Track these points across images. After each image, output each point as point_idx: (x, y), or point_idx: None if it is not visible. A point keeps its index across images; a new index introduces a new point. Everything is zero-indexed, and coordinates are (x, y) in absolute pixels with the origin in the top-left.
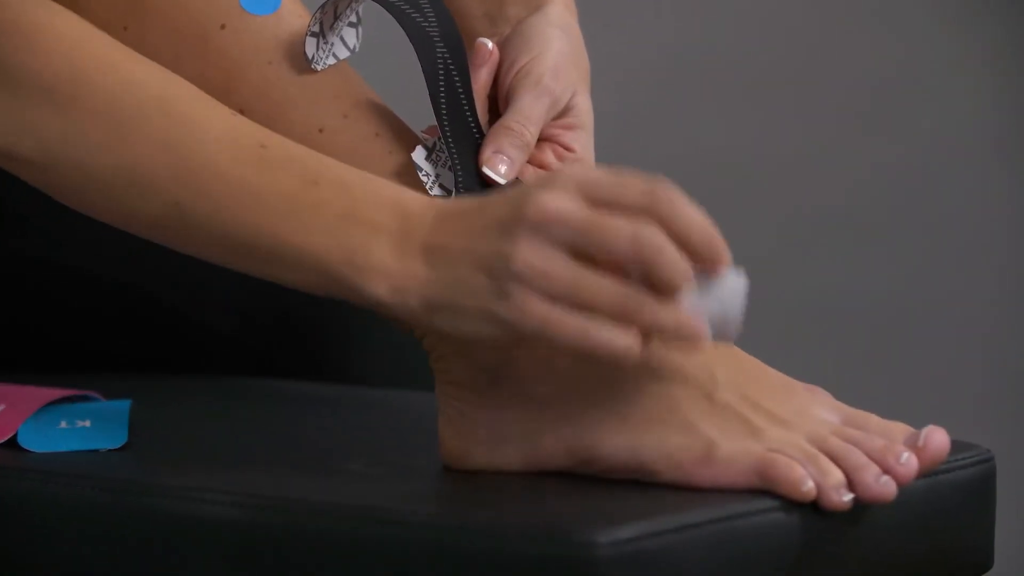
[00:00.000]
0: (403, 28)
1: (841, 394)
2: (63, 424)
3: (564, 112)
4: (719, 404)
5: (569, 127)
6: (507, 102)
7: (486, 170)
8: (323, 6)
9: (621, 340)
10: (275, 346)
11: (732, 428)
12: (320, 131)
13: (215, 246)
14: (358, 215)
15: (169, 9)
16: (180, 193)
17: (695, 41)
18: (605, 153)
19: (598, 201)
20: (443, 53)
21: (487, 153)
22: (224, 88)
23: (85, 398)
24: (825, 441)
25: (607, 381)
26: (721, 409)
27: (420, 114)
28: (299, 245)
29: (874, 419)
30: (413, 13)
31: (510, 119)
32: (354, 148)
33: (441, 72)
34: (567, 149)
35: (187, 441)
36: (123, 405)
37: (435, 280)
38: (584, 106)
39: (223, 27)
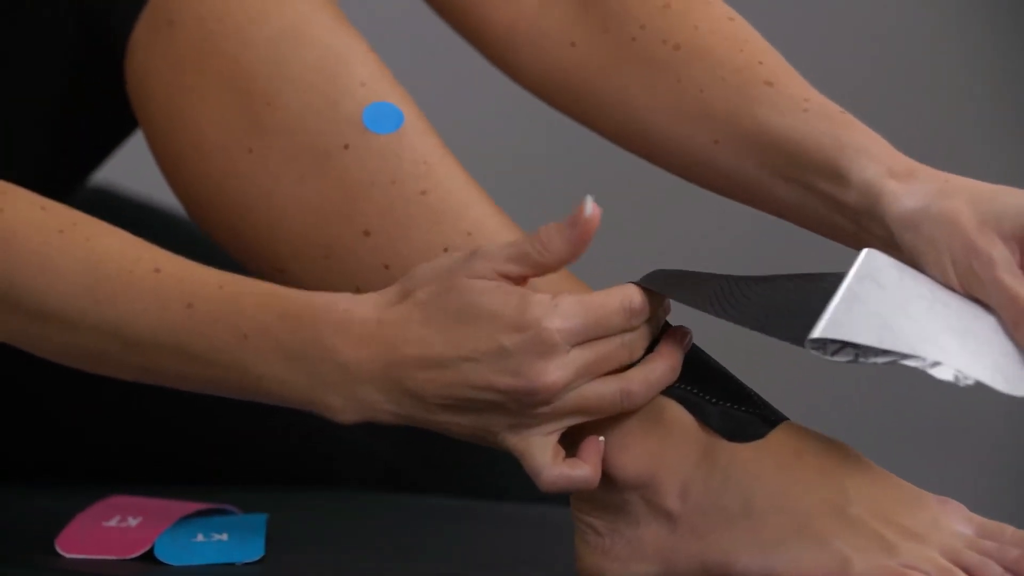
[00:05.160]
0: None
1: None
2: (200, 537)
3: None
4: (851, 519)
5: None
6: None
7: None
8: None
9: None
10: (409, 457)
11: (865, 544)
12: (445, 250)
13: (203, 390)
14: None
15: (292, 131)
16: (137, 361)
17: None
18: None
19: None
20: None
21: None
22: (347, 208)
23: (222, 511)
24: (960, 555)
25: (739, 497)
26: (854, 524)
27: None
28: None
29: (1009, 529)
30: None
31: None
32: None
33: None
34: None
35: (322, 555)
36: (259, 519)
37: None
38: None
39: (346, 147)
